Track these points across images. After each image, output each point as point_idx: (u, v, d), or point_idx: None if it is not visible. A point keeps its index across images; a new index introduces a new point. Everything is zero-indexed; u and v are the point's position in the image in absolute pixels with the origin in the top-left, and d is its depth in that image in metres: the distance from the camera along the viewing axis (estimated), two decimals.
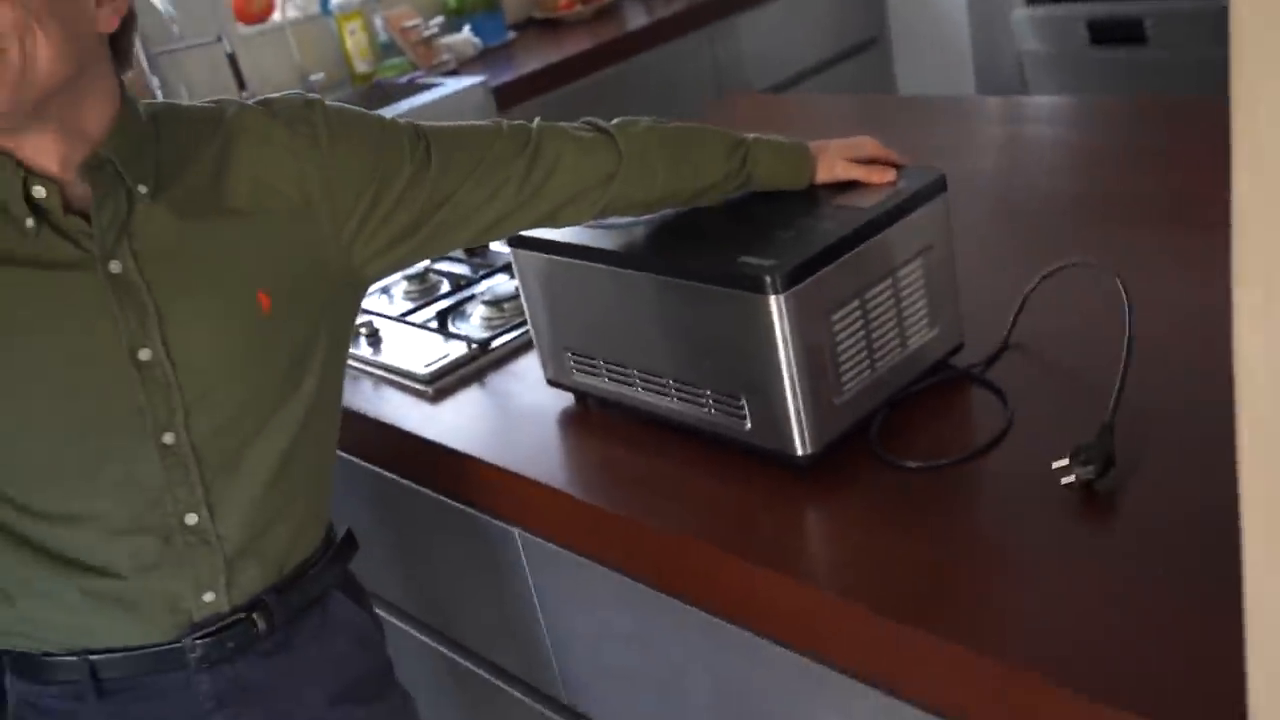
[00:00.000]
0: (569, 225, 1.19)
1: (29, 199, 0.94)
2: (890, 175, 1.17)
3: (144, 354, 0.97)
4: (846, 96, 2.25)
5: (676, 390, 1.17)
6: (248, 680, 1.10)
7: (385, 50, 3.24)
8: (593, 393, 1.28)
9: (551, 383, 1.32)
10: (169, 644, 1.05)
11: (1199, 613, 0.83)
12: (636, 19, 3.36)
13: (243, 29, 3.07)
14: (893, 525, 1.01)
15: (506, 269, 1.67)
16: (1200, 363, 1.11)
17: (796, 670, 1.03)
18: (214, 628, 1.06)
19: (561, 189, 1.13)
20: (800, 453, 1.09)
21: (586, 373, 1.26)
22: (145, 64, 2.85)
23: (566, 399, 1.33)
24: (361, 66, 3.17)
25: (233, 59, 2.77)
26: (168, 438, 0.99)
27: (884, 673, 0.95)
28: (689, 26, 3.30)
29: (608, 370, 1.23)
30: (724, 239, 1.14)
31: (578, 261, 1.20)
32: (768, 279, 1.02)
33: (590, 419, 1.31)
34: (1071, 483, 0.99)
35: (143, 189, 0.98)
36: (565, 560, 1.24)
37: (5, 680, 1.10)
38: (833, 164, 1.20)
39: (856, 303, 1.09)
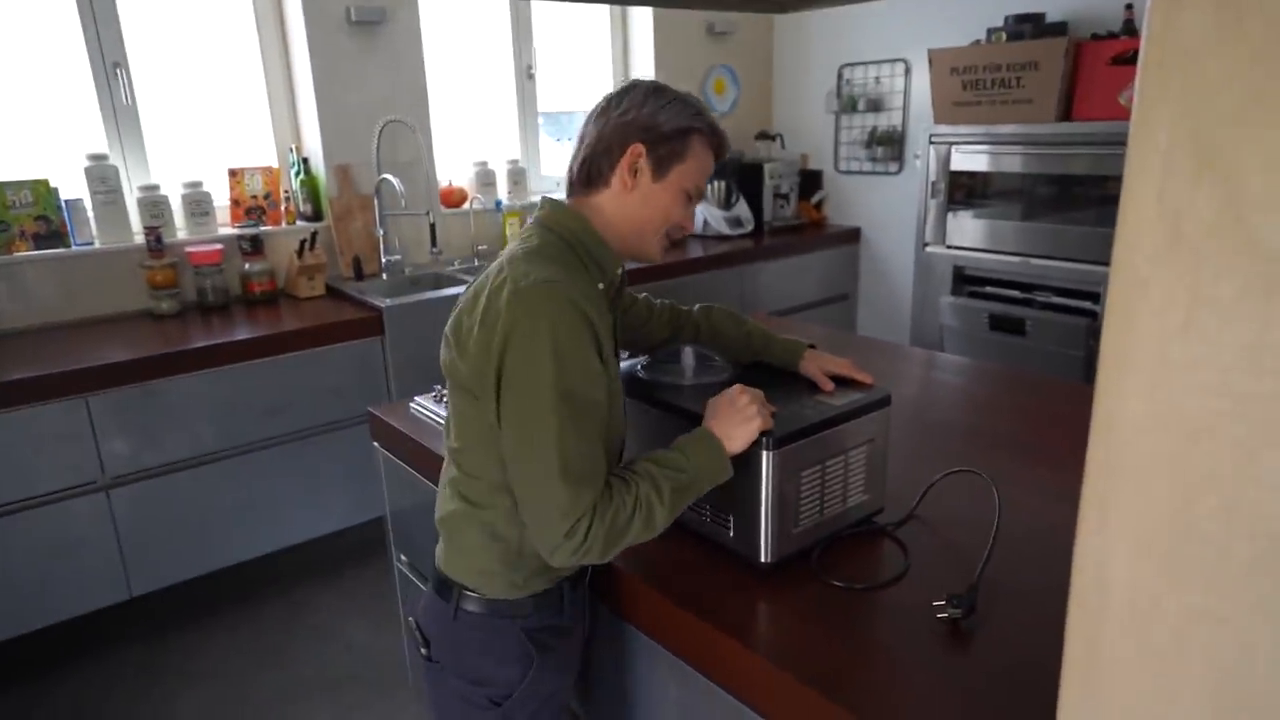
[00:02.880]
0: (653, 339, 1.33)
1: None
2: (830, 387, 1.20)
3: None
4: (827, 328, 2.31)
5: None
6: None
7: None
8: None
9: None
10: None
11: None
12: (694, 251, 3.48)
13: (444, 209, 3.21)
14: (818, 622, 1.00)
15: None
16: (1044, 555, 1.12)
17: (736, 713, 1.01)
18: None
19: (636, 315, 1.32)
20: (763, 560, 1.09)
21: None
22: (377, 219, 2.97)
23: None
24: None
25: (433, 227, 2.89)
26: None
27: None
28: (727, 264, 3.41)
29: None
30: None
31: (628, 397, 1.22)
32: (764, 439, 1.04)
33: None
34: (945, 618, 0.98)
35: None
36: None
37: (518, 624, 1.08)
38: (810, 365, 1.25)
39: (818, 468, 1.11)
